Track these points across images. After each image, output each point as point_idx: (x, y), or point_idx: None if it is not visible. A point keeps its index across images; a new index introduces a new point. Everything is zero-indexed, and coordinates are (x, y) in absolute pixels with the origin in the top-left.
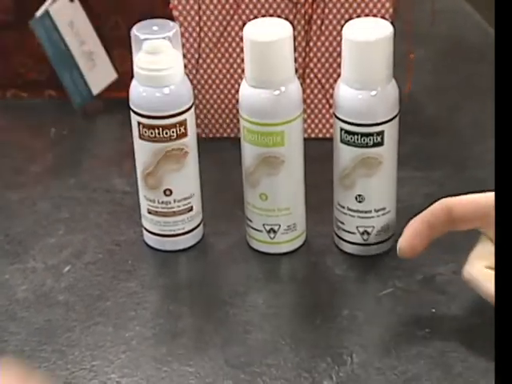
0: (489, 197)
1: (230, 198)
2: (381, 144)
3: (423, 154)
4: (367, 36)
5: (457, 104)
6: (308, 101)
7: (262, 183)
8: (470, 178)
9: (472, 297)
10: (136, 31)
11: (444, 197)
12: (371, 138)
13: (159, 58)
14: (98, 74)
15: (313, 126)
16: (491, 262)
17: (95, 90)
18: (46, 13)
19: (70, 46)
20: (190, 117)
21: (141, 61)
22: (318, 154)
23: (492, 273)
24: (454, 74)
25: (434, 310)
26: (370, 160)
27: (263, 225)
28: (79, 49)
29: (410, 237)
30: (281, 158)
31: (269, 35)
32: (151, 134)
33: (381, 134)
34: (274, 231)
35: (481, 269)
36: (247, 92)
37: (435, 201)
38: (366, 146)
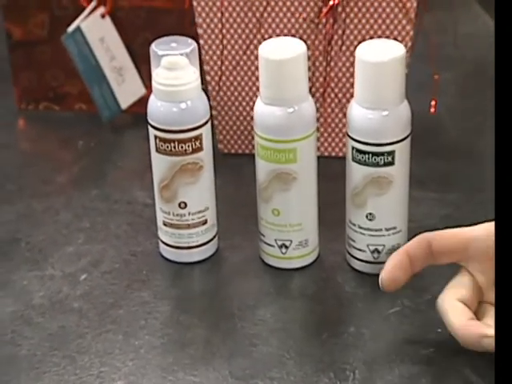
0: (467, 232)
1: (247, 213)
2: (392, 164)
3: (442, 176)
4: (379, 57)
5: (479, 127)
6: (329, 120)
7: (275, 199)
8: (486, 200)
9: None
10: (155, 47)
11: (459, 220)
12: (382, 157)
13: (177, 74)
14: (127, 89)
15: (333, 144)
16: (463, 294)
17: (124, 105)
18: (78, 28)
19: (100, 61)
20: (205, 131)
21: (159, 76)
22: (337, 173)
23: (460, 306)
24: (479, 98)
25: (439, 330)
26: (381, 179)
27: (275, 240)
28: (109, 64)
29: (392, 269)
30: (293, 175)
31: (282, 53)
32: (167, 147)
33: (392, 153)
34: (286, 246)
35: (451, 301)
36: (261, 109)
37: (449, 222)
38: (377, 165)
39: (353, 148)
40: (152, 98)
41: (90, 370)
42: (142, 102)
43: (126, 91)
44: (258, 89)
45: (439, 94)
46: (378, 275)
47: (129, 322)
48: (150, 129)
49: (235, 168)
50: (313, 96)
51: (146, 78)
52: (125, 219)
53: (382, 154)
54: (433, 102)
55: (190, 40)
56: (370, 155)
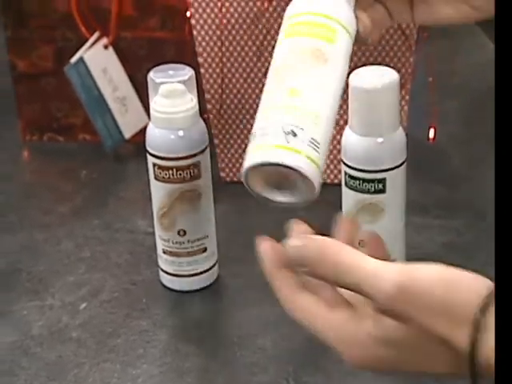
0: None
1: (247, 241)
2: (383, 191)
3: (444, 203)
4: (372, 83)
5: (483, 156)
6: (330, 147)
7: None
8: (488, 228)
9: None
10: (152, 75)
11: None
12: (372, 184)
13: (174, 102)
14: (130, 119)
15: (335, 171)
16: None
17: (127, 135)
18: (81, 59)
19: (103, 91)
20: (203, 159)
21: (156, 104)
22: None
23: None
24: (482, 126)
25: None
26: (373, 206)
27: None
28: (112, 94)
29: None
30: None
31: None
32: (165, 175)
33: (382, 181)
34: None
35: None
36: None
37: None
38: (368, 192)
39: (346, 173)
40: (150, 125)
41: None
42: (145, 131)
43: (129, 121)
44: None
45: (443, 122)
46: None
47: (127, 351)
48: (149, 156)
49: (236, 196)
50: None
51: (149, 107)
52: (126, 248)
53: (373, 180)
54: (431, 131)
55: (187, 68)
56: (361, 181)
